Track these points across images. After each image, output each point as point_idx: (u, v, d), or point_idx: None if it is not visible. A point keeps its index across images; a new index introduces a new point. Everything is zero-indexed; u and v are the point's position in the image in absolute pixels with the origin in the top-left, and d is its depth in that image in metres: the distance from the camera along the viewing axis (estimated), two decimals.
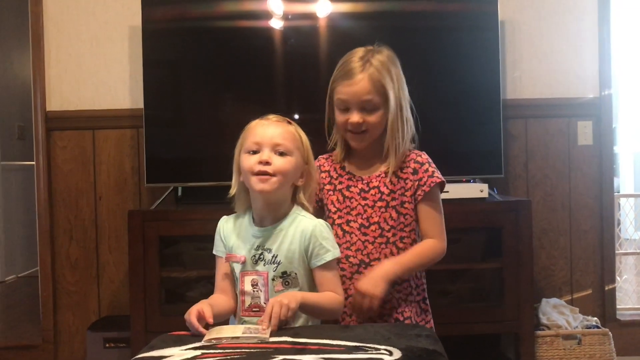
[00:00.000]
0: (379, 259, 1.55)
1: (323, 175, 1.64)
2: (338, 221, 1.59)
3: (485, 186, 2.53)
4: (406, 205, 1.57)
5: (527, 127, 2.90)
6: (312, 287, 1.48)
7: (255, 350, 1.18)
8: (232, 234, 1.51)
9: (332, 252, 1.46)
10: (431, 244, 1.56)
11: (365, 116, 1.53)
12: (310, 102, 2.71)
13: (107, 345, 2.58)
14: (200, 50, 2.73)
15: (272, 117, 1.51)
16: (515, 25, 2.90)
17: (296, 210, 1.50)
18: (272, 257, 1.46)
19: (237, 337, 1.25)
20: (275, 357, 1.12)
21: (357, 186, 1.59)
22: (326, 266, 1.46)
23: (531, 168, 2.91)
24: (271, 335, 1.27)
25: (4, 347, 2.89)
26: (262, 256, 1.46)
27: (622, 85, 5.03)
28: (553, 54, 2.91)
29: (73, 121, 2.86)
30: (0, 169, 4.66)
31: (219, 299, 1.47)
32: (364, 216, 1.57)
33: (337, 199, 1.60)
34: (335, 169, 1.64)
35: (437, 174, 1.58)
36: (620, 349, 2.70)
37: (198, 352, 1.18)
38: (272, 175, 1.42)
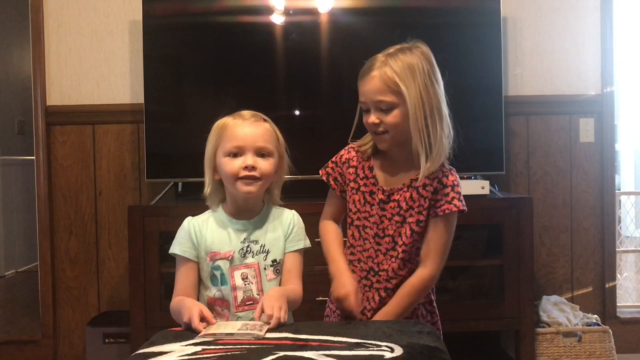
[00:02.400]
0: (386, 270, 1.54)
1: (350, 170, 1.59)
2: (357, 222, 1.58)
3: (486, 183, 2.52)
4: (422, 224, 1.52)
5: (529, 124, 2.90)
6: None
7: (256, 346, 1.18)
8: (207, 233, 1.48)
9: (306, 241, 1.53)
10: (417, 283, 1.50)
11: (382, 116, 1.48)
12: (311, 98, 2.70)
13: (107, 340, 2.58)
14: (201, 46, 2.72)
15: (247, 114, 1.49)
16: (517, 22, 2.89)
17: (270, 202, 1.54)
18: (261, 247, 1.47)
19: (232, 334, 1.24)
20: (276, 354, 1.11)
21: (377, 195, 1.55)
22: (299, 253, 1.51)
23: (532, 165, 2.90)
24: (268, 331, 1.26)
25: (3, 341, 2.89)
26: (249, 248, 1.47)
27: (623, 82, 5.02)
28: (555, 50, 2.91)
29: (73, 116, 2.85)
30: (0, 163, 4.65)
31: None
32: (380, 227, 1.54)
33: (359, 200, 1.57)
34: (363, 168, 1.58)
35: (457, 201, 1.50)
36: (620, 347, 2.70)
37: (198, 348, 1.18)
38: (259, 178, 1.44)
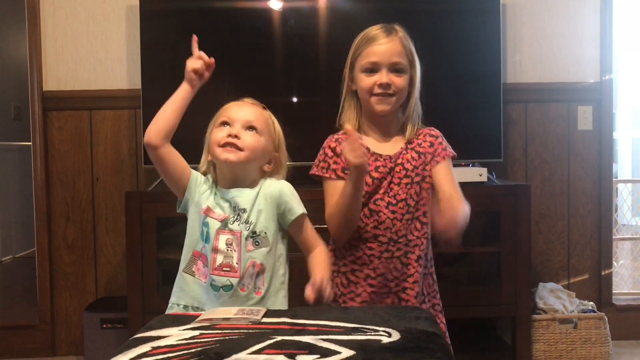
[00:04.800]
0: (405, 236, 1.56)
1: (343, 157, 1.56)
2: (364, 202, 1.57)
3: (484, 170, 2.52)
4: (427, 179, 1.59)
5: (527, 112, 2.89)
6: (281, 246, 1.53)
7: (254, 330, 1.18)
8: (209, 194, 1.52)
9: (302, 207, 1.53)
10: (463, 209, 1.49)
11: (393, 78, 1.53)
12: (309, 84, 2.69)
13: (105, 326, 2.59)
14: (198, 31, 2.66)
15: (248, 100, 1.55)
16: (517, 9, 2.87)
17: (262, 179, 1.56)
18: (247, 217, 1.49)
19: (229, 319, 1.25)
20: (274, 338, 1.12)
21: (386, 165, 1.57)
22: (302, 219, 1.53)
23: (530, 153, 2.90)
24: (265, 316, 1.27)
25: (1, 327, 2.89)
26: (239, 216, 1.49)
27: (621, 70, 5.00)
28: (554, 37, 2.90)
29: (70, 101, 2.83)
30: None
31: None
32: (391, 194, 1.56)
33: (366, 182, 1.56)
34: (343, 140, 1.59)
35: (449, 148, 1.62)
36: (615, 334, 2.72)
37: (196, 332, 1.18)
38: (240, 149, 1.46)
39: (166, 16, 2.69)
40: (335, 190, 1.56)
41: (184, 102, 1.50)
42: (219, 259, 1.46)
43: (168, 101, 1.50)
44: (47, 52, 2.83)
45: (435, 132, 1.64)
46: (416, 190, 1.57)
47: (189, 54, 2.72)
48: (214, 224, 1.48)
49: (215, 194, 1.52)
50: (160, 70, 2.68)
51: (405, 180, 1.56)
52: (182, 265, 1.53)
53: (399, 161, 1.58)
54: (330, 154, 1.61)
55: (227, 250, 1.46)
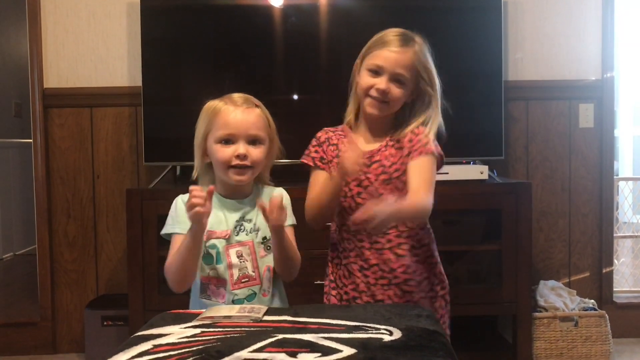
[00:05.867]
0: (396, 227, 1.57)
1: (331, 148, 1.62)
2: (349, 193, 1.59)
3: (485, 168, 2.52)
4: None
5: (529, 109, 2.89)
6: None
7: (255, 329, 1.18)
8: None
9: (293, 218, 1.54)
10: (411, 201, 1.46)
11: (392, 87, 1.53)
12: (310, 82, 2.68)
13: (105, 323, 2.59)
14: (199, 28, 2.70)
15: (238, 100, 1.49)
16: (518, 6, 2.86)
17: (260, 183, 1.56)
18: (253, 225, 1.49)
19: (230, 317, 1.25)
20: (275, 336, 1.12)
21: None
22: (289, 229, 1.52)
23: (531, 150, 2.90)
24: (267, 314, 1.27)
25: (2, 324, 2.89)
26: (242, 227, 1.48)
27: (622, 67, 5.00)
28: (556, 35, 2.89)
29: (70, 98, 2.83)
30: None
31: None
32: (371, 189, 1.57)
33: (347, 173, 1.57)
34: (343, 144, 1.60)
35: (434, 145, 1.54)
36: (616, 331, 2.72)
37: (197, 331, 1.18)
38: (250, 167, 1.45)
39: (167, 13, 2.69)
40: (314, 179, 1.60)
41: (198, 245, 1.40)
42: (236, 273, 1.46)
43: (181, 252, 1.39)
44: (48, 49, 2.83)
45: (419, 129, 1.59)
46: (397, 185, 1.55)
47: (190, 51, 2.74)
48: (221, 243, 1.47)
49: (215, 204, 1.48)
50: (161, 67, 2.68)
51: (382, 177, 1.56)
52: (197, 292, 1.49)
53: (376, 158, 1.57)
54: (314, 142, 1.65)
55: (240, 262, 1.47)
